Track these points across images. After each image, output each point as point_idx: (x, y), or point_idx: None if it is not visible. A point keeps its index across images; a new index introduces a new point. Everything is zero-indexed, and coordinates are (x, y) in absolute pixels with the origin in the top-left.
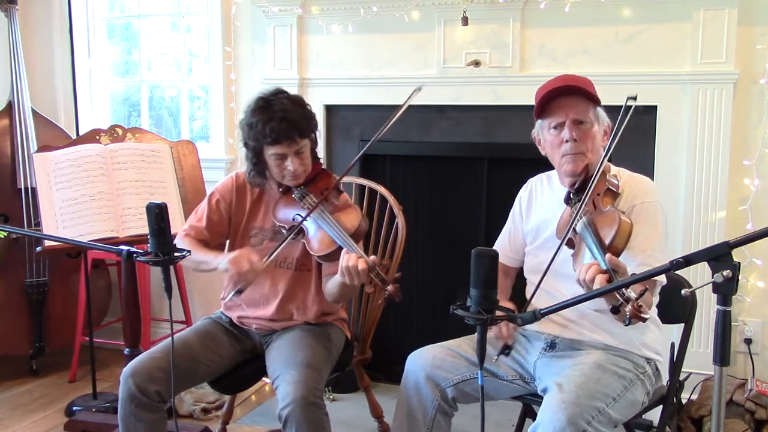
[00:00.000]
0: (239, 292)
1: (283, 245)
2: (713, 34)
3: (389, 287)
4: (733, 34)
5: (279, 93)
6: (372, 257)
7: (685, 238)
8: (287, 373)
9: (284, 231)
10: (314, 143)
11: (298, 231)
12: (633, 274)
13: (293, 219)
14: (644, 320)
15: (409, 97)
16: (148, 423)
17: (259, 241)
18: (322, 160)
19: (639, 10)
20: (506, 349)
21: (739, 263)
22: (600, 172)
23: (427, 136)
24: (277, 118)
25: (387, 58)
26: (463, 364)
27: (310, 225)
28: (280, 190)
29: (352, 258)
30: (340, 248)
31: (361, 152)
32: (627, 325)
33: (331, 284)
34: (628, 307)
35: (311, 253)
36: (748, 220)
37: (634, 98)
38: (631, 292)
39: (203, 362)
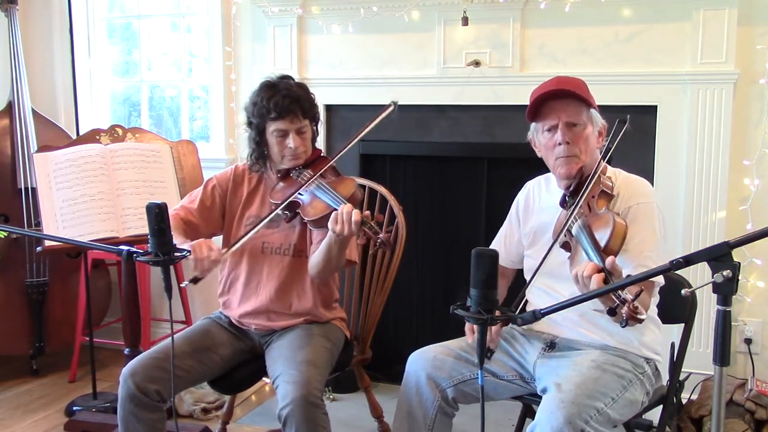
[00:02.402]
0: (195, 280)
1: (262, 225)
2: (713, 34)
3: (381, 235)
4: (733, 34)
5: (285, 77)
6: (366, 212)
7: (685, 238)
8: (287, 372)
9: (279, 212)
10: (315, 132)
11: (293, 206)
12: (628, 275)
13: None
14: (640, 321)
15: (386, 112)
16: (147, 423)
17: None
18: None
19: (639, 10)
20: (488, 353)
21: (739, 263)
22: (595, 177)
23: (427, 136)
24: (282, 94)
25: (387, 58)
26: (463, 365)
27: (305, 197)
28: (279, 176)
29: (347, 207)
30: (333, 211)
31: (336, 156)
32: (624, 327)
33: (317, 252)
34: (624, 309)
35: (306, 219)
36: (748, 220)
37: (625, 122)
38: (627, 294)
39: (203, 361)
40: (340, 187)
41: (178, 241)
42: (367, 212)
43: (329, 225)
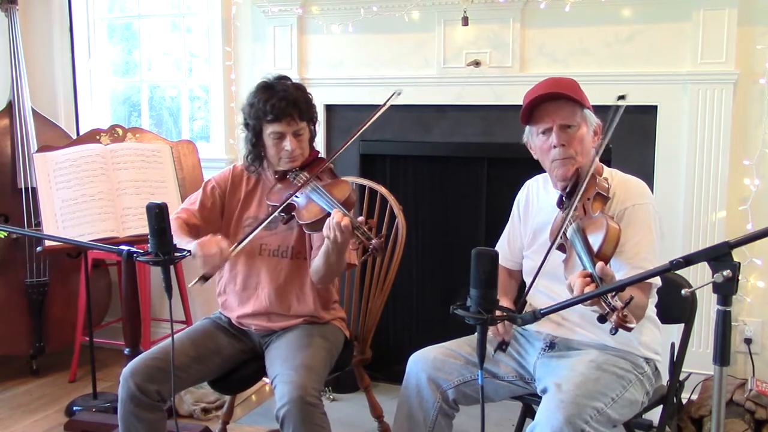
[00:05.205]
0: (204, 278)
1: (263, 226)
2: (713, 34)
3: (374, 241)
4: (733, 34)
5: (282, 78)
6: (359, 218)
7: (685, 238)
8: (285, 373)
9: (276, 214)
10: (313, 133)
11: (289, 208)
12: (618, 280)
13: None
14: (629, 330)
15: (388, 100)
16: (148, 423)
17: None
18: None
19: (639, 10)
20: (503, 345)
21: (739, 263)
22: (590, 177)
23: (427, 136)
24: (278, 96)
25: (387, 58)
26: (463, 365)
27: (301, 200)
28: (276, 177)
29: (338, 215)
30: (328, 215)
31: (339, 150)
32: (614, 335)
33: (317, 258)
34: (613, 317)
35: (300, 222)
36: (748, 220)
37: (624, 97)
38: (617, 302)
39: (203, 362)
40: (336, 190)
41: (183, 241)
42: (361, 218)
43: (324, 232)
